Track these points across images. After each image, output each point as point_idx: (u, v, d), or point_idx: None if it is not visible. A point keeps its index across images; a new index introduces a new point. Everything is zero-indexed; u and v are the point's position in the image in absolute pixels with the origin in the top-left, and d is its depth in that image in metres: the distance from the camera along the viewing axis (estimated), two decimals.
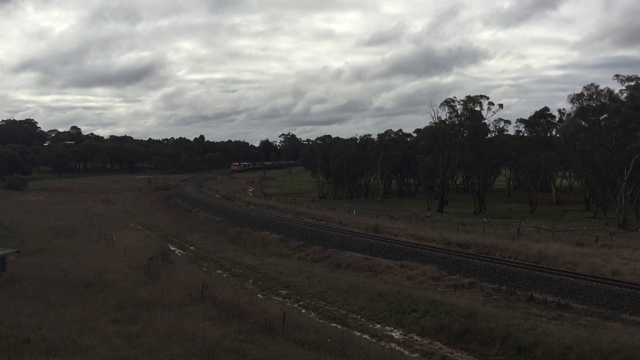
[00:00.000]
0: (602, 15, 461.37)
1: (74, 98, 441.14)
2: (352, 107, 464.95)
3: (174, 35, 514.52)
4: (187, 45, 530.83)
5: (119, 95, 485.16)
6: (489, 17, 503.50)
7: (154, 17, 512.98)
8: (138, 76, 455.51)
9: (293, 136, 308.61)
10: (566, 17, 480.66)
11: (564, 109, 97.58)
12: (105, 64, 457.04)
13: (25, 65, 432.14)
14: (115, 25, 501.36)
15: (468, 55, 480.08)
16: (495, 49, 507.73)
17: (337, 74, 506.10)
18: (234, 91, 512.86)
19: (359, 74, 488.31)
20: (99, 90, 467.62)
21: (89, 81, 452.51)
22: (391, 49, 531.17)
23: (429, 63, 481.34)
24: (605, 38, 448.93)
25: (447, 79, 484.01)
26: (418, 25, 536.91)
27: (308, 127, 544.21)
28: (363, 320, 30.14)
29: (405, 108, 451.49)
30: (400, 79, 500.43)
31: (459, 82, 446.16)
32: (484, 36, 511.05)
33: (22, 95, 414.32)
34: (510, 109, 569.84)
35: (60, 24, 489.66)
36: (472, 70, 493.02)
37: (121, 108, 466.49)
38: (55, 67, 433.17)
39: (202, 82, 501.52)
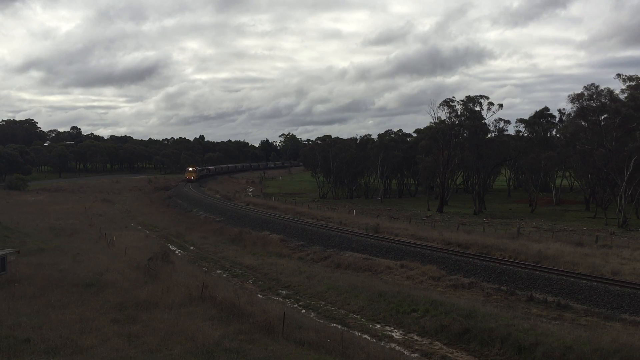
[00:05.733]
0: (611, 14, 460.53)
1: (76, 98, 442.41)
2: (355, 107, 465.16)
3: (180, 35, 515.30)
4: (193, 45, 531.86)
5: (122, 95, 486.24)
6: (498, 16, 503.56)
7: (160, 17, 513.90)
8: (142, 76, 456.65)
9: (293, 136, 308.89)
10: (575, 16, 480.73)
11: (564, 109, 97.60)
12: (110, 63, 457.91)
13: (29, 65, 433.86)
14: (121, 25, 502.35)
15: (474, 55, 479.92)
16: (501, 48, 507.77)
17: (342, 73, 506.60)
18: (237, 91, 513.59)
19: (363, 74, 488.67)
20: (103, 90, 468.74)
21: (93, 81, 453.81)
22: (397, 48, 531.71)
23: (434, 63, 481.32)
24: (613, 37, 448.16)
25: (452, 79, 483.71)
26: (426, 25, 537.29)
27: (309, 127, 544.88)
28: (363, 320, 30.14)
29: (407, 108, 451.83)
30: (404, 78, 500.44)
31: (464, 82, 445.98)
32: (491, 35, 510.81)
33: (26, 95, 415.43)
34: (514, 109, 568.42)
35: (67, 24, 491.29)
36: (478, 70, 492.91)
37: (125, 108, 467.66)
38: (59, 67, 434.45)
39: (205, 82, 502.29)
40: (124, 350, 19.64)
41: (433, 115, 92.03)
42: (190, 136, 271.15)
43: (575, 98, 71.26)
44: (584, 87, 70.88)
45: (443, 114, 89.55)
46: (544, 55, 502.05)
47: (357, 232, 54.23)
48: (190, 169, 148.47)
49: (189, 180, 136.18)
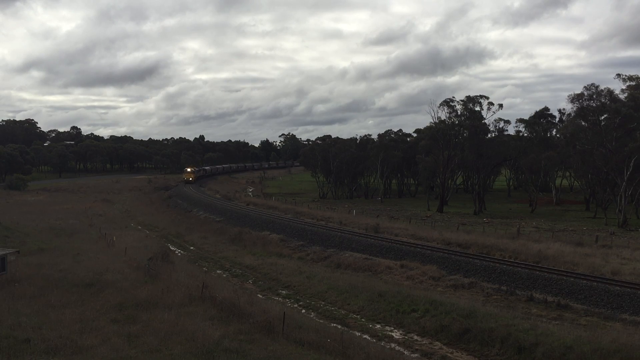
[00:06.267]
0: (612, 14, 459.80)
1: (77, 98, 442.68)
2: (355, 107, 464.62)
3: (180, 35, 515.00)
4: (194, 45, 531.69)
5: (123, 95, 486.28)
6: (498, 16, 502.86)
7: (161, 17, 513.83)
8: (143, 76, 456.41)
9: (293, 136, 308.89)
10: (576, 16, 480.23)
11: (564, 109, 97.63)
12: (111, 63, 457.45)
13: (30, 65, 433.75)
14: (121, 25, 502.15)
15: (475, 55, 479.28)
16: (502, 48, 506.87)
17: (342, 73, 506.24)
18: (237, 91, 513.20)
19: (363, 74, 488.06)
20: (103, 90, 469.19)
21: (93, 81, 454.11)
22: (398, 48, 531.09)
23: (435, 63, 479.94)
24: (614, 37, 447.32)
25: (452, 79, 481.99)
26: (427, 24, 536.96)
27: (310, 127, 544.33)
28: (363, 320, 30.15)
29: (407, 108, 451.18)
30: (405, 78, 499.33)
31: (464, 82, 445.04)
32: (491, 35, 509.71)
33: (26, 95, 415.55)
34: (515, 109, 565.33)
35: (67, 24, 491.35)
36: (478, 70, 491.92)
37: (125, 108, 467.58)
38: (59, 67, 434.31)
39: (205, 82, 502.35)
40: (124, 350, 19.63)
41: (433, 115, 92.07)
42: (191, 136, 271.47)
43: (575, 98, 71.29)
44: (584, 87, 70.95)
45: (443, 114, 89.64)
46: (545, 55, 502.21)
47: (357, 232, 54.23)
48: (189, 169, 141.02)
49: (187, 182, 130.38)
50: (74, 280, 31.05)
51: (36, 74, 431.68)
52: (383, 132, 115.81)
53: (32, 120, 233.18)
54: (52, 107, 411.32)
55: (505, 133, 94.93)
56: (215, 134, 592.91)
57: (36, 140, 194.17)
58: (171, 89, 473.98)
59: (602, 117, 70.17)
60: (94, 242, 49.47)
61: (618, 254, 41.18)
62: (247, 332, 22.33)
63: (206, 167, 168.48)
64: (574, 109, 72.94)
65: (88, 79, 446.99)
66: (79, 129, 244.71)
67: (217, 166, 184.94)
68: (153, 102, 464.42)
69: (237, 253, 51.30)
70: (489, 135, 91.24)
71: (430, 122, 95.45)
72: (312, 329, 23.90)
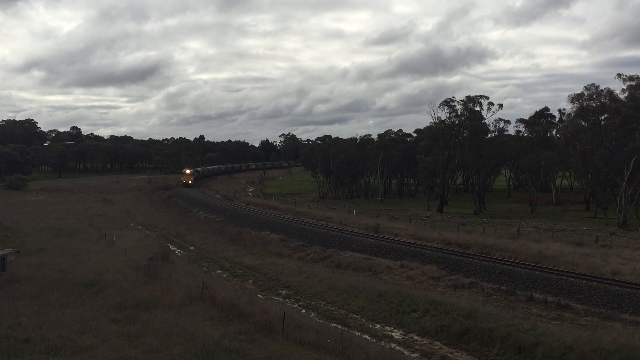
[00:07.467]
0: (614, 14, 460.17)
1: (77, 97, 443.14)
2: (355, 107, 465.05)
3: (181, 34, 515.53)
4: (195, 45, 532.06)
5: (123, 95, 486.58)
6: (500, 16, 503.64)
7: (162, 17, 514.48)
8: (144, 76, 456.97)
9: (293, 136, 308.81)
10: (577, 15, 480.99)
11: (564, 109, 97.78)
12: (112, 63, 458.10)
13: (30, 65, 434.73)
14: (122, 25, 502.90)
15: (476, 55, 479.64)
16: (503, 48, 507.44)
17: (343, 73, 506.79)
18: (238, 91, 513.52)
19: (364, 74, 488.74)
20: (104, 90, 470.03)
21: (94, 81, 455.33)
22: (399, 48, 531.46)
23: (436, 63, 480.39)
24: (615, 37, 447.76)
25: (453, 79, 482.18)
26: (428, 24, 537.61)
27: (310, 127, 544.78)
28: (363, 320, 30.14)
29: (408, 108, 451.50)
30: (406, 78, 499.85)
31: (465, 82, 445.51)
32: (493, 35, 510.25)
33: (27, 95, 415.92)
34: (516, 109, 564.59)
35: (68, 24, 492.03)
36: (479, 70, 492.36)
37: (125, 108, 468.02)
38: (60, 67, 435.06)
39: (206, 82, 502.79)
40: (124, 350, 19.63)
41: (433, 115, 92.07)
42: (191, 136, 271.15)
43: (575, 98, 71.41)
44: (584, 87, 71.11)
45: (443, 114, 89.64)
46: (546, 55, 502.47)
47: (357, 232, 54.24)
48: (188, 171, 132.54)
49: (186, 185, 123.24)
50: (74, 280, 31.04)
51: (37, 73, 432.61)
52: (383, 132, 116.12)
53: (32, 120, 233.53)
54: (53, 107, 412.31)
55: (506, 133, 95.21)
56: (215, 134, 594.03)
57: (36, 140, 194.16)
58: (172, 89, 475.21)
59: (602, 117, 70.28)
60: (94, 242, 49.46)
61: (618, 254, 41.19)
62: (247, 332, 22.33)
63: (198, 169, 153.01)
64: (574, 109, 73.13)
65: (89, 78, 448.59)
66: (79, 129, 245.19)
67: (209, 167, 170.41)
68: (154, 102, 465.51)
69: (237, 253, 51.29)
70: (489, 135, 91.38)
71: (430, 122, 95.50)
72: (312, 329, 23.89)
